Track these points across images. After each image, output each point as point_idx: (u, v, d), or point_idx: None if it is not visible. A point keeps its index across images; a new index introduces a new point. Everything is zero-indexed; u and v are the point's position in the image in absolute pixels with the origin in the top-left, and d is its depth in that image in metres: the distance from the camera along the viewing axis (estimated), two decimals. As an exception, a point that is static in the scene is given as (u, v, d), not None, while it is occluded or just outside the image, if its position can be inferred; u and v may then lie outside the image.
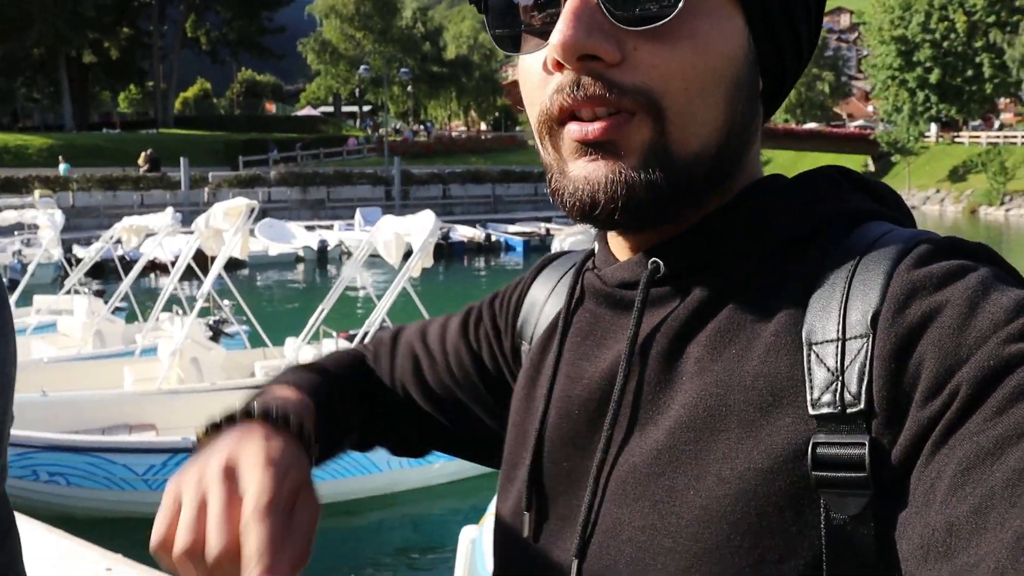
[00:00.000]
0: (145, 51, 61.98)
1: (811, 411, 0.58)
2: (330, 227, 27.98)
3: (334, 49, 58.95)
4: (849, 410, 0.56)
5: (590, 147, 0.64)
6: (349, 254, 20.30)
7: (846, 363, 0.58)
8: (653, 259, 0.69)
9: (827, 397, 0.58)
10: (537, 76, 0.67)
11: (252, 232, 8.63)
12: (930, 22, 53.95)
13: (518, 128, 62.57)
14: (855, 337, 0.58)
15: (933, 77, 53.99)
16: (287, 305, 18.13)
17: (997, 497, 0.47)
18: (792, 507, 0.58)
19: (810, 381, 0.59)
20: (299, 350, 7.86)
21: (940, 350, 0.54)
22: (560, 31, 0.61)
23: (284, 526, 0.60)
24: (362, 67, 50.36)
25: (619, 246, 0.75)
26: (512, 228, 29.95)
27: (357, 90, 62.18)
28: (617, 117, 0.63)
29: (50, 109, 62.53)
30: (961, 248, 0.62)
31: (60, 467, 6.29)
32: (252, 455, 0.65)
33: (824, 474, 0.56)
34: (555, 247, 16.53)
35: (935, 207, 47.09)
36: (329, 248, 25.05)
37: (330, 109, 72.75)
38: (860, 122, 68.92)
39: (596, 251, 0.79)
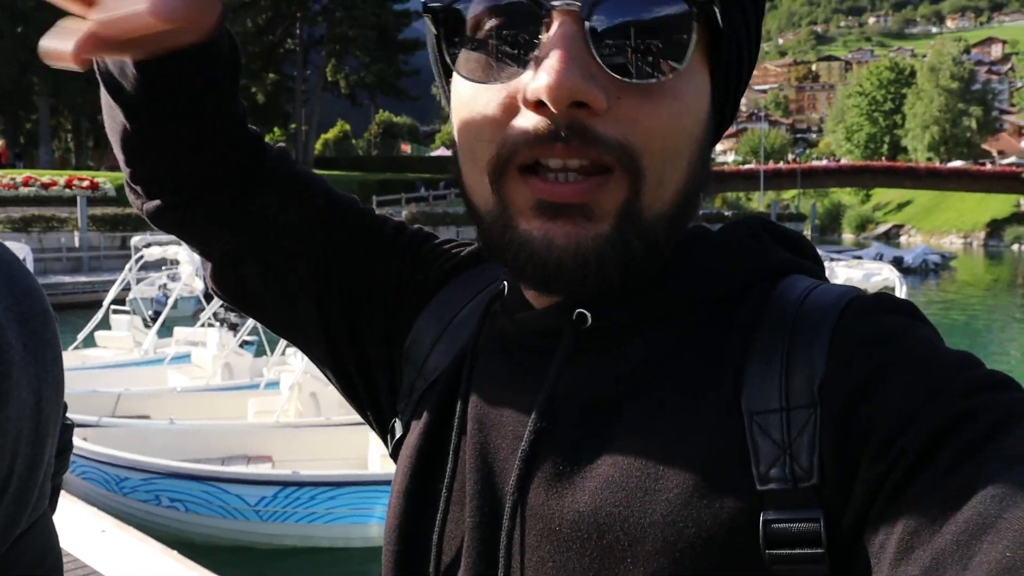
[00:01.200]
0: (289, 95, 65.35)
1: (759, 486, 0.55)
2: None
3: (466, 91, 60.35)
4: (801, 484, 0.55)
5: (557, 208, 0.59)
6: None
7: (793, 435, 0.56)
8: (579, 310, 0.64)
9: (775, 472, 0.55)
10: (495, 109, 0.60)
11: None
12: (1090, 53, 50.59)
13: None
14: (800, 407, 0.56)
15: (1094, 111, 50.52)
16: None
17: (948, 559, 0.46)
18: None
19: (755, 454, 0.56)
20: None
21: (887, 408, 0.53)
22: (554, 70, 0.55)
23: None
24: (492, 108, 51.27)
25: (534, 292, 0.68)
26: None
27: (488, 130, 63.35)
28: (596, 178, 0.58)
29: (202, 151, 66.43)
30: (894, 306, 0.61)
31: (180, 493, 6.66)
32: None
33: (777, 552, 0.54)
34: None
35: (1098, 249, 43.88)
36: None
37: (462, 149, 74.33)
38: (1012, 159, 65.18)
39: (505, 290, 0.72)
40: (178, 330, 12.41)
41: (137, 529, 5.30)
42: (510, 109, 0.59)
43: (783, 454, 0.55)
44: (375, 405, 0.84)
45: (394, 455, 0.78)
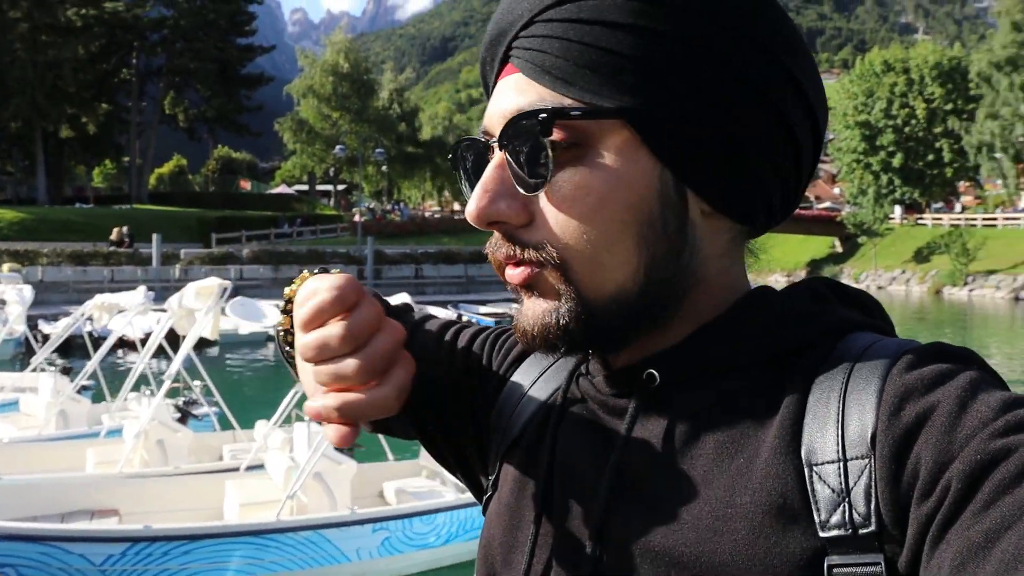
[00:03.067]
0: (122, 126, 62.31)
1: (821, 533, 0.59)
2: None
3: (311, 128, 59.47)
4: (861, 531, 0.58)
5: (518, 289, 0.71)
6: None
7: (850, 484, 0.59)
8: (648, 370, 0.71)
9: (836, 519, 0.59)
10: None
11: (223, 311, 8.53)
12: (892, 108, 55.81)
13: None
14: (856, 458, 0.60)
15: (896, 161, 55.61)
16: (257, 386, 17.78)
17: None
18: None
19: (816, 502, 0.60)
20: (269, 435, 7.72)
21: (933, 449, 0.56)
22: (473, 200, 0.69)
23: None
24: (338, 147, 50.71)
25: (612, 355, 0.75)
26: (483, 309, 29.80)
27: (332, 169, 62.68)
28: (531, 265, 0.69)
29: (23, 182, 62.39)
30: (946, 353, 0.64)
31: (13, 557, 6.00)
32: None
33: None
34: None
35: (901, 288, 47.83)
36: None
37: (304, 187, 73.24)
38: (827, 204, 70.41)
39: (590, 356, 0.79)
40: (1, 375, 11.47)
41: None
42: None
43: (842, 502, 0.59)
44: (466, 471, 0.95)
45: (484, 510, 0.85)
